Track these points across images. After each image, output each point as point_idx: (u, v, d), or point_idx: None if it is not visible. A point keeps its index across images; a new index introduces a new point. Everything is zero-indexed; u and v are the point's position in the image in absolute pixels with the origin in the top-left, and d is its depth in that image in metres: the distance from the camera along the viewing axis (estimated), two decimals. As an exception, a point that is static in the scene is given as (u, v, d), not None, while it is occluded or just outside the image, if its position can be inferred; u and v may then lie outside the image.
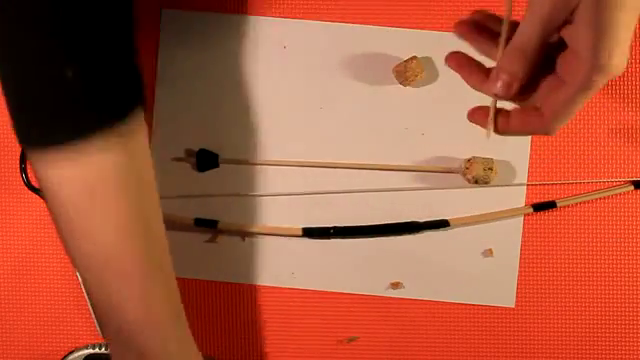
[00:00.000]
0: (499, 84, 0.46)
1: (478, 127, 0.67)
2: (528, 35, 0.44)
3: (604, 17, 0.40)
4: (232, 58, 0.68)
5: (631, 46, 0.43)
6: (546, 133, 0.48)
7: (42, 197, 0.68)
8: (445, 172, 0.68)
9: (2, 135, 0.69)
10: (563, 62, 0.45)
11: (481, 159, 0.67)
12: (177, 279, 0.69)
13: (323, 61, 0.68)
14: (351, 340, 0.69)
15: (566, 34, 0.44)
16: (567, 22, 0.43)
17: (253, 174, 0.69)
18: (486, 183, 0.67)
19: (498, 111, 0.49)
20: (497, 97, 0.48)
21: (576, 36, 0.43)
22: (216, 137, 0.68)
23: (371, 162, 0.68)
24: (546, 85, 0.47)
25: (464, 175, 0.67)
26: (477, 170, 0.66)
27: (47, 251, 0.69)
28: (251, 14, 0.68)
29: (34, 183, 0.68)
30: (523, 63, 0.45)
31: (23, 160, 0.68)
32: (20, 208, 0.69)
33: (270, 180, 0.69)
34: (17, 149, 0.68)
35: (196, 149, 0.68)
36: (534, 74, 0.46)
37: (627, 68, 0.67)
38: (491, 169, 0.66)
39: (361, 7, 0.68)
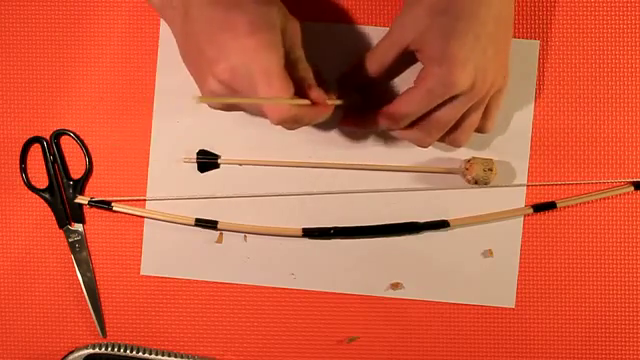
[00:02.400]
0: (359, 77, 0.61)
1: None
2: (383, 50, 0.59)
3: (445, 47, 0.54)
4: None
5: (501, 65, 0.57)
6: (417, 142, 0.60)
7: (42, 197, 0.68)
8: (445, 173, 0.68)
9: (2, 135, 0.69)
10: (418, 75, 0.57)
11: (481, 160, 0.67)
12: (178, 280, 0.69)
13: (324, 61, 0.68)
14: (351, 340, 0.69)
15: (420, 56, 0.57)
16: (420, 48, 0.56)
17: (253, 174, 0.69)
18: (486, 184, 0.67)
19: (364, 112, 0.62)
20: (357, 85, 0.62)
21: (427, 57, 0.55)
22: (216, 137, 0.68)
23: (371, 163, 0.68)
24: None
25: (464, 176, 0.67)
26: (477, 171, 0.66)
27: (47, 251, 0.69)
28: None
29: (34, 183, 0.68)
30: (376, 65, 0.60)
31: (23, 160, 0.68)
32: (20, 208, 0.69)
33: (270, 180, 0.69)
34: (17, 149, 0.68)
35: (196, 150, 0.68)
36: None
37: (627, 70, 0.68)
38: (491, 170, 0.66)
39: (362, 8, 0.68)
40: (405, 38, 0.57)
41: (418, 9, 0.56)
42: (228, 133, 0.68)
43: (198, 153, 0.68)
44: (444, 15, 0.54)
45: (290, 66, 0.54)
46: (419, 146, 0.61)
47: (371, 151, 0.68)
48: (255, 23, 0.52)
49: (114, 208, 0.68)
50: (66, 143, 0.69)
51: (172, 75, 0.68)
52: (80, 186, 0.68)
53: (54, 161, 0.68)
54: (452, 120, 0.58)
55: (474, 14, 0.54)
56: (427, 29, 0.55)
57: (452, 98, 0.56)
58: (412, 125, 0.59)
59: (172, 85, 0.68)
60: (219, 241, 0.69)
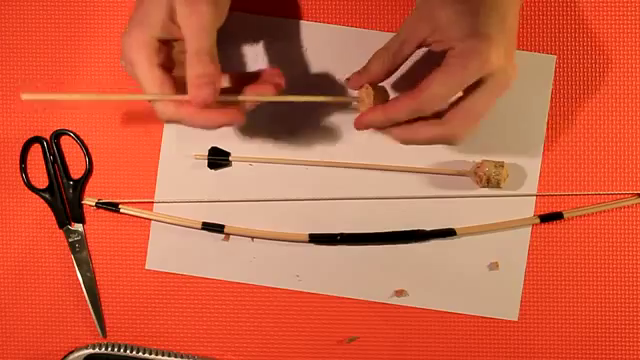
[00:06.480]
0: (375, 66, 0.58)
1: (489, 133, 0.67)
2: (395, 48, 0.57)
3: (476, 24, 0.52)
4: (248, 57, 0.68)
5: None
6: (448, 137, 0.56)
7: (42, 197, 0.67)
8: (455, 175, 0.68)
9: (2, 135, 0.68)
10: (445, 60, 0.54)
11: (492, 160, 0.66)
12: (182, 277, 0.69)
13: (338, 63, 0.67)
14: (351, 340, 0.69)
15: (442, 44, 0.54)
16: (442, 37, 0.54)
17: (262, 176, 0.68)
18: (498, 183, 0.66)
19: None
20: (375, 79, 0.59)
21: (454, 38, 0.53)
22: (227, 136, 0.67)
23: (383, 163, 0.68)
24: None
25: (475, 174, 0.66)
26: (488, 166, 0.66)
27: (47, 251, 0.69)
28: (268, 15, 0.67)
29: (34, 183, 0.67)
30: (388, 65, 0.58)
31: (23, 160, 0.68)
32: (20, 208, 0.68)
33: (278, 182, 0.68)
34: (17, 149, 0.67)
35: (208, 147, 0.68)
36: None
37: (634, 81, 0.67)
38: (502, 166, 0.65)
39: (377, 13, 0.67)
40: (421, 32, 0.55)
41: (435, 3, 0.54)
42: (238, 132, 0.68)
43: (210, 150, 0.68)
44: (465, 4, 0.53)
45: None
46: (450, 144, 0.57)
47: (382, 153, 0.68)
48: None
49: (121, 210, 0.67)
50: (66, 143, 0.68)
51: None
52: (80, 186, 0.68)
53: (54, 161, 0.68)
54: (487, 108, 0.55)
55: (496, 5, 0.53)
56: (448, 18, 0.53)
57: (480, 83, 0.53)
58: (441, 120, 0.56)
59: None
60: (226, 239, 0.68)
